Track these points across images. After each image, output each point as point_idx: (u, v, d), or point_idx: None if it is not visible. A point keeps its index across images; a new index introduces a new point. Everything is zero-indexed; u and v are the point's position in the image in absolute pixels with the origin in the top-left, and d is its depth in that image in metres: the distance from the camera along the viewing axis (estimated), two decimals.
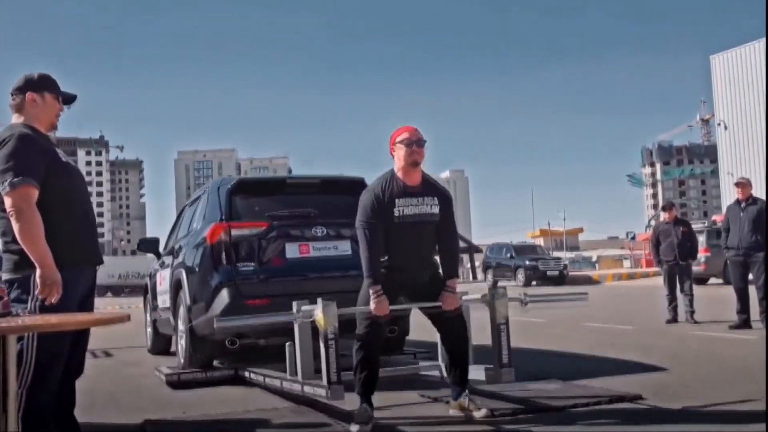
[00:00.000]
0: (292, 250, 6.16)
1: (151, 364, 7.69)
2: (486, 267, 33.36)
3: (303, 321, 4.75)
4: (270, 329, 5.81)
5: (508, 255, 31.50)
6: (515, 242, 36.62)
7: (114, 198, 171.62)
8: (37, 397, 3.40)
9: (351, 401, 4.51)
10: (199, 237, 6.46)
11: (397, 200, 4.49)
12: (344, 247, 6.14)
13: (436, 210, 4.57)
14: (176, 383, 6.23)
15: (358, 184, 6.59)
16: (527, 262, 29.95)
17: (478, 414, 4.45)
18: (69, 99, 3.77)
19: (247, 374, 6.03)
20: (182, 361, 6.57)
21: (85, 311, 3.67)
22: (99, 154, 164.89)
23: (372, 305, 4.39)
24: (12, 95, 3.68)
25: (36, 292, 3.38)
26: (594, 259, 73.46)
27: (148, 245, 8.41)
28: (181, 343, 6.68)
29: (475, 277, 48.35)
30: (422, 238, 4.58)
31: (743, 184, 9.28)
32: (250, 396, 5.64)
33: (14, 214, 3.37)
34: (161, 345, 8.49)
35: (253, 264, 6.08)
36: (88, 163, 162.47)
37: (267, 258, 6.13)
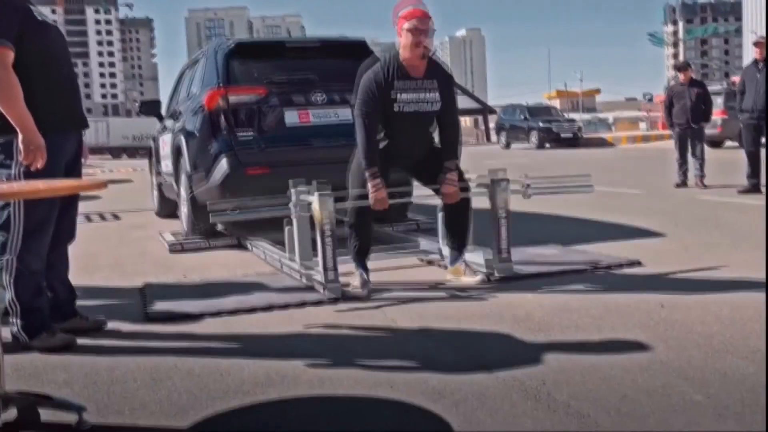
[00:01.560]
0: (291, 117, 6.02)
1: (157, 227, 7.76)
2: (499, 129, 33.05)
3: (300, 213, 4.66)
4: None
5: (522, 117, 31.08)
6: (531, 103, 36.05)
7: (125, 58, 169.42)
8: (27, 262, 3.40)
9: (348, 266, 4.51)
10: (197, 103, 6.32)
11: (398, 95, 4.32)
12: (345, 114, 5.93)
13: (437, 107, 4.42)
14: (179, 251, 6.26)
15: (360, 47, 6.37)
16: (541, 124, 29.58)
17: (474, 279, 4.46)
18: None
19: (249, 246, 6.04)
20: (186, 228, 6.59)
21: (73, 176, 3.61)
22: (108, 12, 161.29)
23: (371, 199, 4.30)
24: None
25: (20, 158, 3.30)
26: (610, 120, 72.63)
27: (150, 108, 8.27)
28: (183, 211, 6.68)
29: (488, 138, 48.25)
30: (422, 126, 4.50)
31: (762, 44, 8.94)
32: (251, 261, 5.68)
33: None
34: (168, 208, 8.51)
35: (252, 131, 5.95)
36: (97, 22, 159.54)
37: (266, 125, 6.00)
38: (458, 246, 4.61)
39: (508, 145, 31.41)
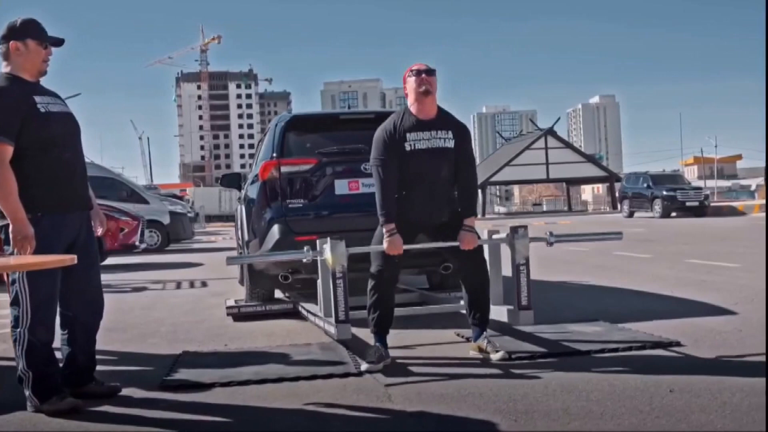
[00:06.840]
0: (341, 187, 6.15)
1: (235, 295, 7.99)
2: (622, 197, 32.28)
3: (319, 259, 4.79)
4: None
5: (645, 185, 30.18)
6: (668, 171, 35.05)
7: (263, 130, 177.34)
8: (37, 334, 3.62)
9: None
10: (254, 174, 6.59)
11: (408, 134, 4.42)
12: None
13: (450, 144, 4.46)
14: (237, 315, 6.48)
15: None
16: (664, 192, 28.63)
17: (495, 356, 4.37)
18: (56, 43, 3.78)
19: (301, 309, 6.18)
20: (245, 294, 6.80)
21: (89, 252, 3.83)
22: (248, 87, 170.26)
23: (385, 244, 4.38)
24: None
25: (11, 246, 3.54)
26: (753, 187, 69.43)
27: (230, 180, 8.65)
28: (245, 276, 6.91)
29: (614, 207, 47.05)
30: (437, 170, 4.48)
31: None
32: (297, 330, 5.77)
33: None
34: None
35: (303, 200, 6.13)
36: (239, 96, 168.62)
37: (316, 194, 6.16)
38: (480, 322, 4.54)
39: (631, 215, 30.58)
